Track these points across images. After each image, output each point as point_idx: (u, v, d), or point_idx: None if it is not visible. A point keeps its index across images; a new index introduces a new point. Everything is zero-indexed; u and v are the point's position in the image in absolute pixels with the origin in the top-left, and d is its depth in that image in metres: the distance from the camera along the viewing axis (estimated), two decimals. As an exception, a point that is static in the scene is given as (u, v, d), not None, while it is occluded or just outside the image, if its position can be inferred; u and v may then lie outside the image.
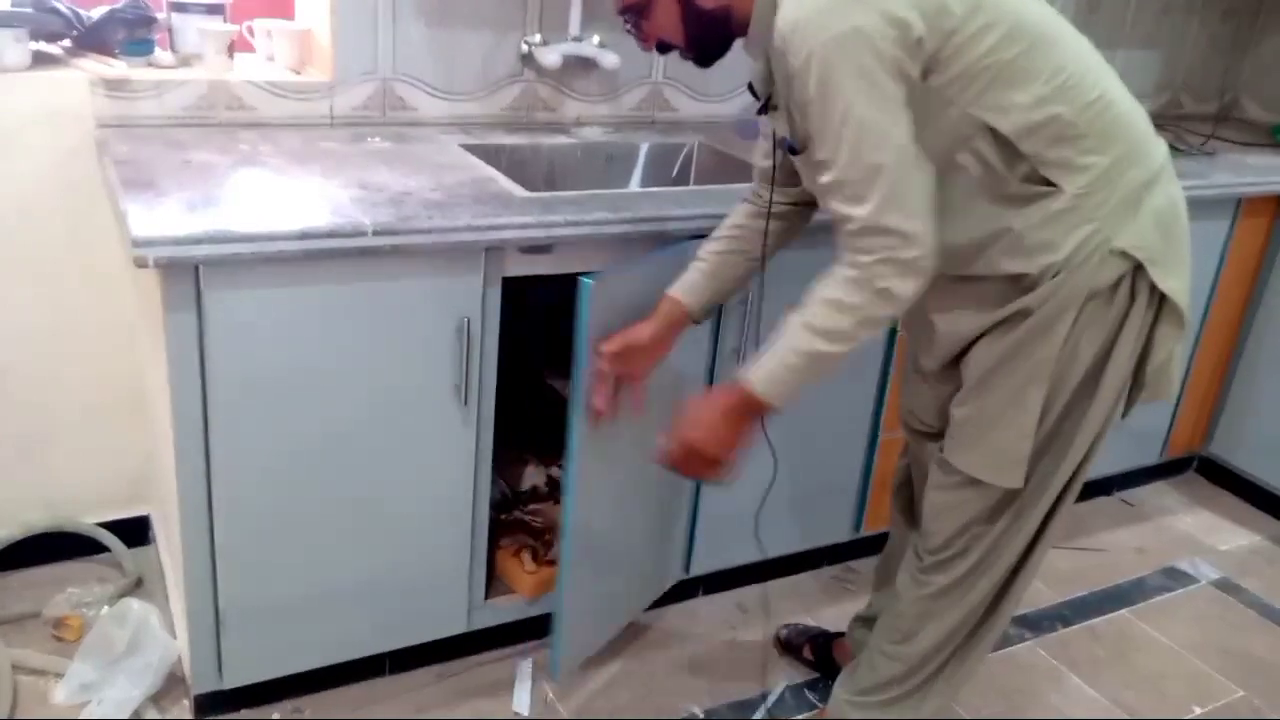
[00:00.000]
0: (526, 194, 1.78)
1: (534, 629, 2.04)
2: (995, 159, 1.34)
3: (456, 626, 1.92)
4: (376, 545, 1.76)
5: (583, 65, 2.28)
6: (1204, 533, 2.73)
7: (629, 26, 1.49)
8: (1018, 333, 1.39)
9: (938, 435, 1.57)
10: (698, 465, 1.46)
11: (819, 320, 1.33)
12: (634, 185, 2.30)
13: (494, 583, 1.98)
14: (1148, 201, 1.37)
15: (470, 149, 2.04)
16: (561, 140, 2.23)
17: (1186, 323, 1.43)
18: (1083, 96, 1.34)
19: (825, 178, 1.30)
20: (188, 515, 1.60)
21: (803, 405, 2.05)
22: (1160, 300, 1.40)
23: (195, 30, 2.05)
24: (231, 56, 2.08)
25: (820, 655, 2.08)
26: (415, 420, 1.71)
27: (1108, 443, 1.50)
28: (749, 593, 2.30)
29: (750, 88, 1.51)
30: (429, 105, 2.17)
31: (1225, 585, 2.50)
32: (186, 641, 1.73)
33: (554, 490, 2.20)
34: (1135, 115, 1.41)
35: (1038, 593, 2.41)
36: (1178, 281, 1.40)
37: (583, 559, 1.77)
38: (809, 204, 1.63)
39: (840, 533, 2.34)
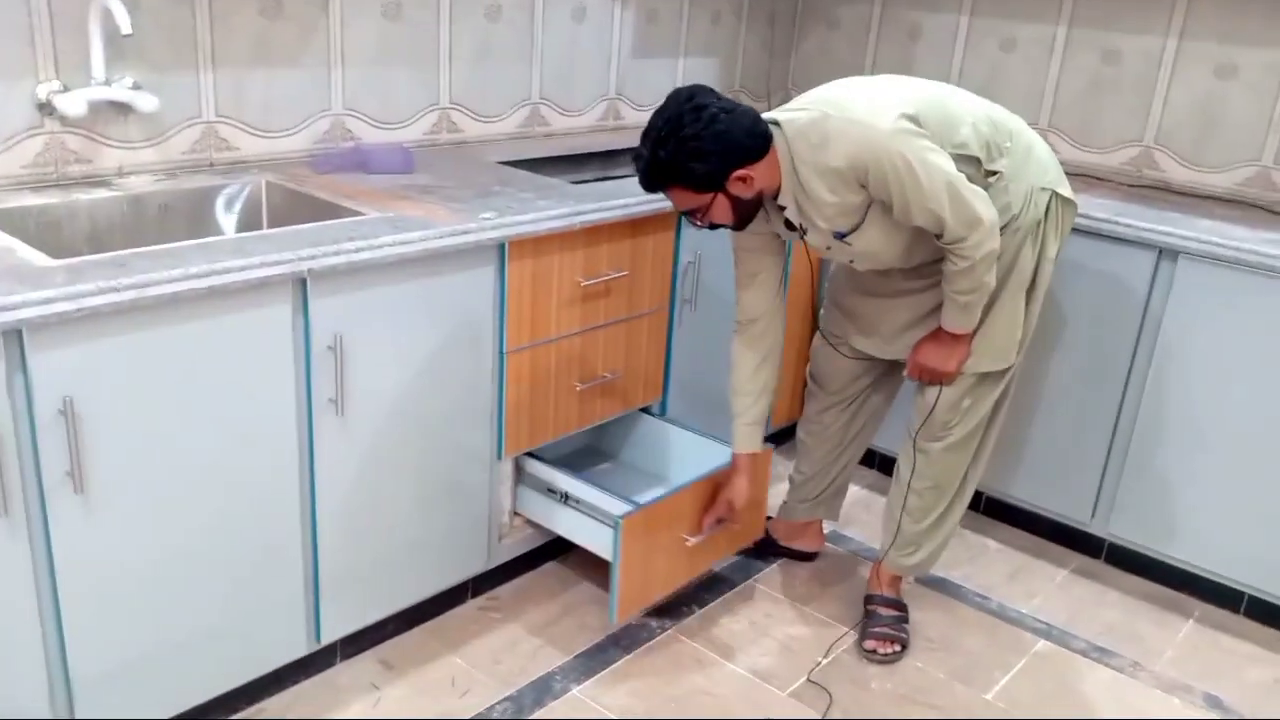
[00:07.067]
0: (51, 262, 1.57)
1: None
2: (974, 171, 1.99)
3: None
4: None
5: (118, 110, 2.05)
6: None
7: (691, 219, 1.97)
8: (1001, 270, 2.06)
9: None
10: (944, 376, 2.17)
11: (962, 291, 2.01)
12: (204, 235, 2.10)
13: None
14: (1033, 151, 2.09)
15: (-18, 216, 1.77)
16: (103, 194, 1.99)
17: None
18: (979, 119, 2.03)
19: (935, 216, 1.90)
20: None
21: (422, 448, 2.01)
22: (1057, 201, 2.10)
23: None
24: None
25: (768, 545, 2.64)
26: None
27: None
28: (393, 646, 2.20)
29: (787, 224, 2.05)
30: (-77, 170, 1.86)
31: (833, 537, 2.73)
32: None
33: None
34: (992, 111, 2.09)
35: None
36: (1066, 188, 2.12)
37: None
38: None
39: (478, 564, 2.30)
